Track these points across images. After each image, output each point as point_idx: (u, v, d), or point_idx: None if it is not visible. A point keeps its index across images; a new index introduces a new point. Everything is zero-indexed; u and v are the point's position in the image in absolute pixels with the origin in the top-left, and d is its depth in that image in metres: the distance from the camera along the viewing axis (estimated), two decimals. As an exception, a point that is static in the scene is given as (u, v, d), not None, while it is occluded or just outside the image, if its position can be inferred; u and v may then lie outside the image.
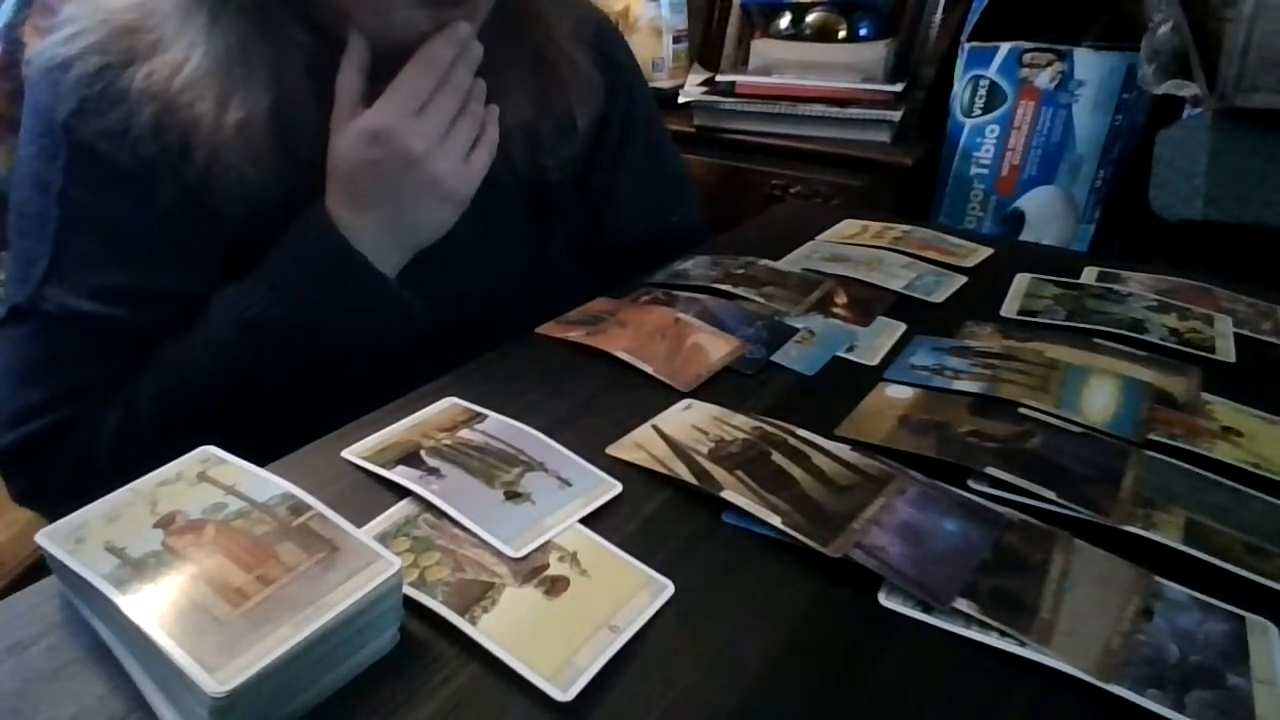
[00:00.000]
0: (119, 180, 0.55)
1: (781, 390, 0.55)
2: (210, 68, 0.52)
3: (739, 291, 0.67)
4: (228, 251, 0.59)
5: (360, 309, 0.57)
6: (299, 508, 0.36)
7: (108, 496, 0.37)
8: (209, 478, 0.38)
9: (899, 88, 1.32)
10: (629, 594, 0.37)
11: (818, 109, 1.33)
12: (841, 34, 1.40)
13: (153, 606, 0.31)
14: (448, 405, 0.51)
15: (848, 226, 0.84)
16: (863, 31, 1.39)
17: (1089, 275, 0.73)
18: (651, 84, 1.43)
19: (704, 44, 1.60)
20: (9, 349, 0.57)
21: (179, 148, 0.54)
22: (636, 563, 0.39)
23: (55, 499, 0.59)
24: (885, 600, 0.38)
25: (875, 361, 0.58)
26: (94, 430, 0.56)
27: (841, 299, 0.67)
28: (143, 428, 0.56)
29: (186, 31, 0.52)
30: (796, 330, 0.61)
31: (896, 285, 0.69)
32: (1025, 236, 1.33)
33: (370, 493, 0.43)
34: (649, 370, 0.55)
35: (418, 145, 0.55)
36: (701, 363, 0.56)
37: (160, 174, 0.54)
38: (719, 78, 1.46)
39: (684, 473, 0.45)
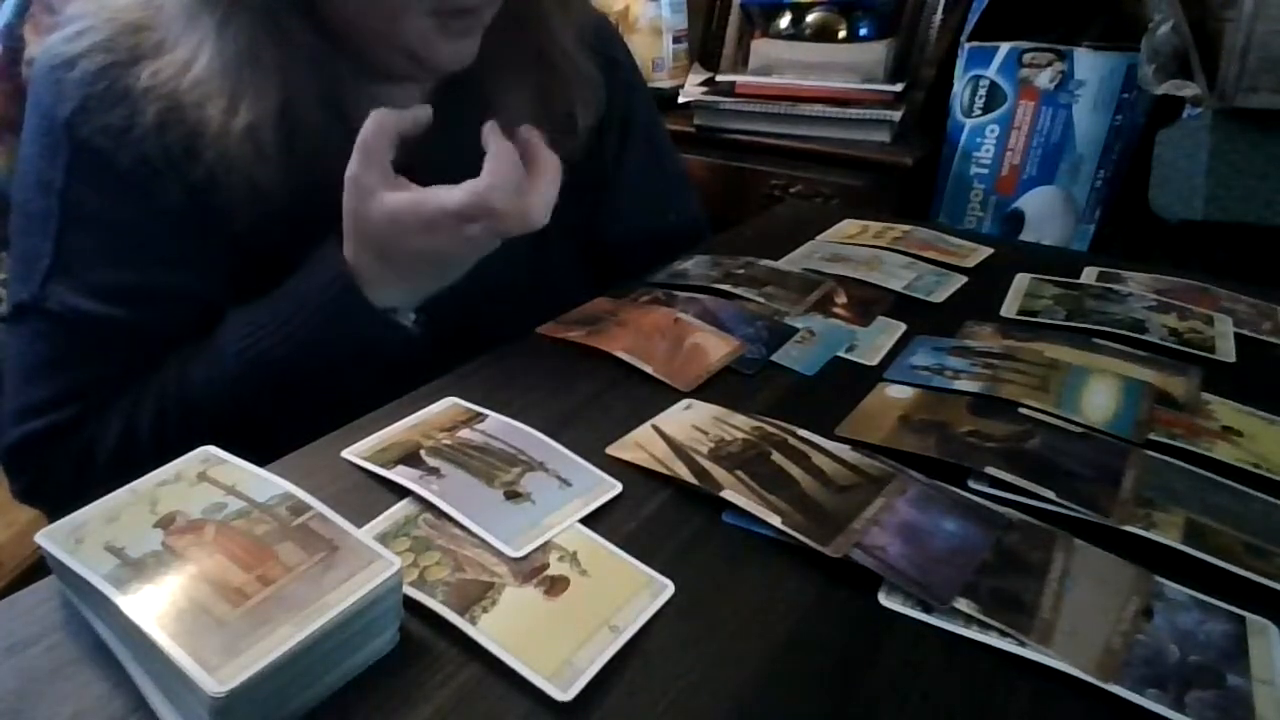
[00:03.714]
0: (121, 179, 0.55)
1: (781, 390, 0.55)
2: (220, 69, 0.52)
3: (739, 291, 0.67)
4: (232, 253, 0.59)
5: (366, 349, 0.56)
6: (299, 508, 0.36)
7: (107, 496, 0.37)
8: (209, 478, 0.38)
9: (899, 88, 1.32)
10: (629, 594, 0.37)
11: (818, 109, 1.33)
12: (841, 34, 1.40)
13: (153, 606, 0.31)
14: (448, 405, 0.51)
15: (848, 226, 0.84)
16: (863, 31, 1.39)
17: (1089, 275, 0.73)
18: (651, 84, 1.44)
19: (704, 44, 1.60)
20: (14, 346, 0.57)
21: (183, 149, 0.54)
22: (636, 563, 0.39)
23: (55, 499, 0.59)
24: (885, 600, 0.38)
25: (875, 361, 0.58)
26: (96, 435, 0.56)
27: (841, 299, 0.67)
28: (141, 440, 0.56)
29: (193, 32, 0.52)
30: (796, 330, 0.61)
31: (896, 285, 0.69)
32: (1025, 236, 1.33)
33: (370, 493, 0.43)
34: (649, 370, 0.55)
35: (461, 248, 0.55)
36: (701, 363, 0.56)
37: (164, 174, 0.54)
38: (719, 78, 1.46)
39: (684, 473, 0.45)
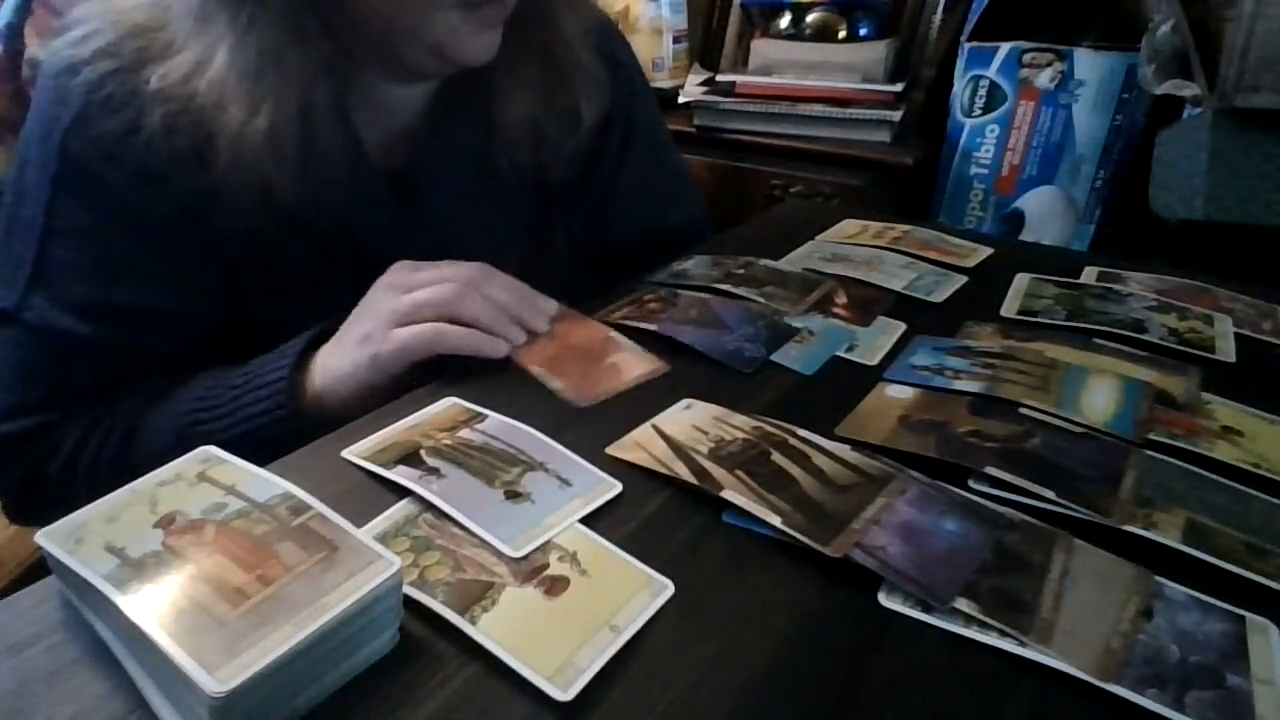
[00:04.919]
0: (110, 193, 0.55)
1: (781, 390, 0.55)
2: (240, 72, 0.52)
3: (739, 291, 0.67)
4: (220, 265, 0.59)
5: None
6: (299, 508, 0.36)
7: (107, 496, 0.37)
8: (209, 478, 0.38)
9: (899, 88, 1.32)
10: (629, 594, 0.37)
11: (818, 109, 1.33)
12: (841, 34, 1.40)
13: (153, 606, 0.31)
14: (448, 405, 0.51)
15: (848, 226, 0.84)
16: (863, 31, 1.39)
17: (1089, 275, 0.73)
18: (651, 84, 1.44)
19: (704, 44, 1.60)
20: None
21: (192, 150, 0.54)
22: (636, 563, 0.39)
23: (7, 498, 0.61)
24: (885, 600, 0.38)
25: (875, 361, 0.58)
26: (52, 450, 0.57)
27: (841, 299, 0.67)
28: (80, 467, 0.57)
29: (204, 34, 0.52)
30: (797, 330, 0.61)
31: (896, 285, 0.69)
32: (1025, 236, 1.33)
33: (370, 493, 0.43)
34: (555, 388, 0.53)
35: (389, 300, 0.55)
36: (611, 382, 0.55)
37: (166, 179, 0.54)
38: (719, 78, 1.46)
39: (684, 472, 0.45)
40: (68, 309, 0.55)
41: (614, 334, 0.60)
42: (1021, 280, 0.71)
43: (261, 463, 0.40)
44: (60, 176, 0.54)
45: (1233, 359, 0.60)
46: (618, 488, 0.44)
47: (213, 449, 0.40)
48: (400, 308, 0.54)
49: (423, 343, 0.53)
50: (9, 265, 0.56)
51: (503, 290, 0.56)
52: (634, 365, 0.57)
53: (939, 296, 0.69)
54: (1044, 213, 1.32)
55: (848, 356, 0.59)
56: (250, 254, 0.59)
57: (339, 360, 0.55)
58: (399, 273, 0.56)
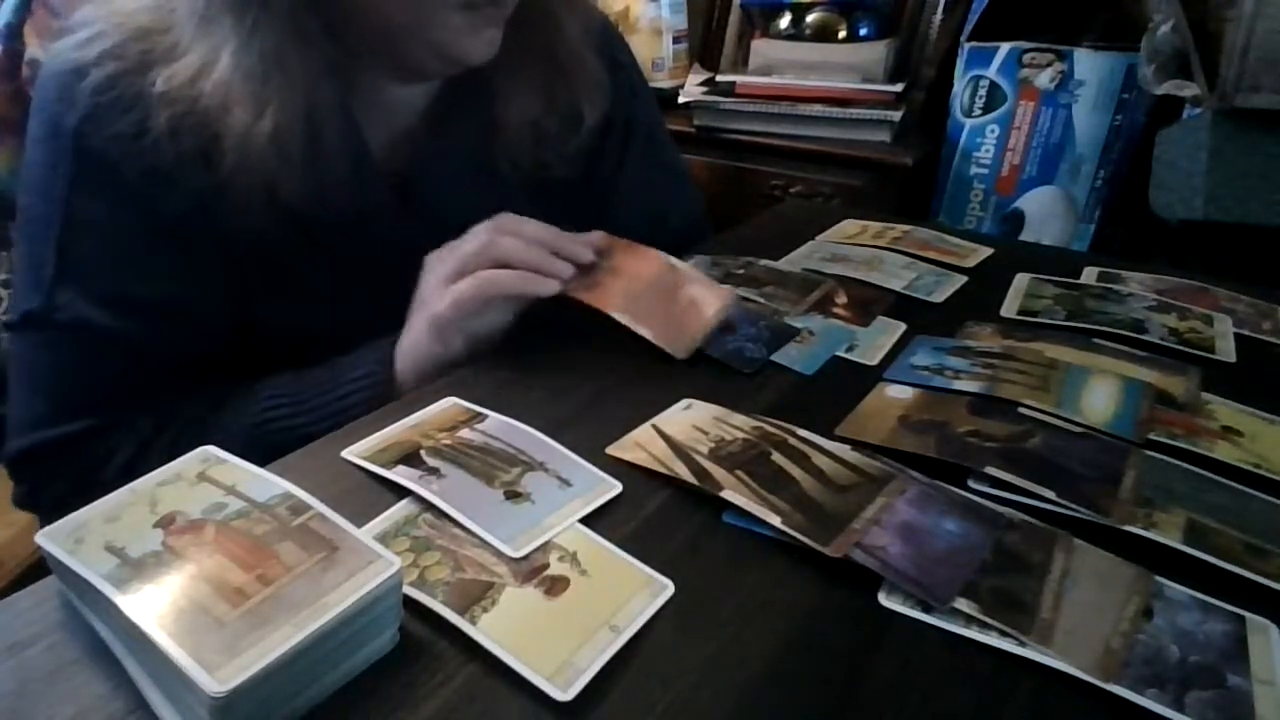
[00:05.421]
0: (125, 189, 0.55)
1: (781, 390, 0.55)
2: (246, 73, 0.52)
3: (739, 291, 0.67)
4: (229, 264, 0.59)
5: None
6: (299, 508, 0.36)
7: (107, 496, 0.37)
8: (209, 478, 0.38)
9: (899, 88, 1.32)
10: (629, 594, 0.37)
11: (818, 109, 1.33)
12: (841, 34, 1.40)
13: (153, 606, 0.31)
14: (448, 405, 0.51)
15: (848, 226, 0.84)
16: (863, 31, 1.39)
17: (1089, 275, 0.73)
18: (651, 84, 1.44)
19: (704, 44, 1.60)
20: (22, 355, 0.57)
21: (198, 152, 0.54)
22: (636, 563, 0.39)
23: (51, 510, 0.60)
24: (885, 600, 0.38)
25: (875, 361, 0.58)
26: (102, 458, 0.56)
27: (841, 299, 0.67)
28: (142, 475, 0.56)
29: (209, 36, 0.52)
30: (797, 330, 0.61)
31: (896, 285, 0.69)
32: (1025, 236, 1.33)
33: (370, 493, 0.43)
34: (647, 334, 0.56)
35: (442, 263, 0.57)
36: (696, 323, 0.57)
37: (174, 180, 0.54)
38: (719, 78, 1.46)
39: (684, 473, 0.45)
40: (95, 302, 0.55)
41: (671, 260, 0.62)
42: (1021, 280, 0.71)
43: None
44: (78, 172, 0.54)
45: (1233, 359, 0.60)
46: (618, 488, 0.44)
47: (212, 449, 0.40)
48: (448, 267, 0.56)
49: (473, 291, 0.54)
50: (31, 268, 0.56)
51: (536, 227, 0.58)
52: (709, 299, 0.59)
53: (939, 296, 0.69)
54: (1044, 213, 1.32)
55: (848, 356, 0.59)
56: (256, 254, 0.59)
57: (409, 339, 0.56)
58: (444, 248, 0.58)
